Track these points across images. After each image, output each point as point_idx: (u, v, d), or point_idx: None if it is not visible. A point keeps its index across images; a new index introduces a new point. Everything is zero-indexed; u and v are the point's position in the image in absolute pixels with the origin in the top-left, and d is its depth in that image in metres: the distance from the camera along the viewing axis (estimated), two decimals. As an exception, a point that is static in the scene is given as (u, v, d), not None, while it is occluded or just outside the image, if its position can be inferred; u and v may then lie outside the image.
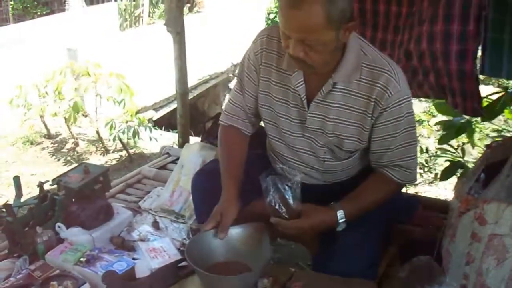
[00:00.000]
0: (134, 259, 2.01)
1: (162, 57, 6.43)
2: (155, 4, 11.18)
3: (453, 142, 3.03)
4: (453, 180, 3.00)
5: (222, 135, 2.08)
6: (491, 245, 1.66)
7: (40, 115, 5.23)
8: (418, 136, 5.12)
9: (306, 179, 1.94)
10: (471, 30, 2.26)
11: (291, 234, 1.88)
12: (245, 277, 1.75)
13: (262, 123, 2.08)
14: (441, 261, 1.85)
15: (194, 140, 3.94)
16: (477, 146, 3.17)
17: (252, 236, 1.85)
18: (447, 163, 3.09)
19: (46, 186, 2.22)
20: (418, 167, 3.99)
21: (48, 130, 5.63)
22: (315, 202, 1.81)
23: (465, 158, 3.04)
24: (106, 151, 5.32)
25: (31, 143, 5.55)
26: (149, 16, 10.87)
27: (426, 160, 4.82)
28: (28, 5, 10.23)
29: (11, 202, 2.13)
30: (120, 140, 5.01)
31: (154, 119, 6.34)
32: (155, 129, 5.71)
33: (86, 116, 5.27)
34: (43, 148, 5.48)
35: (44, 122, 5.49)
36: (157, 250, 2.08)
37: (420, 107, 6.83)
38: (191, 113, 3.86)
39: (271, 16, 10.70)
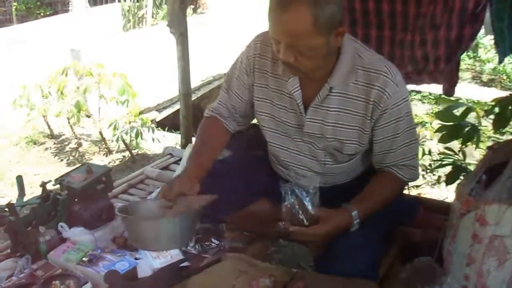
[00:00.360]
0: (136, 259, 2.01)
1: (166, 58, 6.42)
2: (159, 5, 11.18)
3: (455, 144, 3.01)
4: (455, 182, 2.99)
5: (202, 124, 2.08)
6: (492, 246, 1.66)
7: (43, 115, 5.24)
8: (421, 139, 5.13)
9: (297, 178, 1.94)
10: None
11: (310, 241, 1.87)
12: (169, 220, 1.76)
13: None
14: (442, 262, 1.85)
15: (197, 141, 3.93)
16: (480, 148, 3.15)
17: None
18: (449, 166, 3.07)
19: (49, 186, 2.23)
20: (421, 169, 4.01)
21: (51, 130, 5.64)
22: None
23: (467, 160, 3.03)
24: (109, 152, 5.33)
25: (34, 143, 5.56)
26: (152, 17, 10.87)
27: (430, 164, 4.81)
28: (32, 6, 10.23)
29: (14, 201, 2.13)
30: (123, 140, 5.01)
31: (157, 120, 6.34)
32: (158, 129, 5.72)
33: (89, 116, 5.28)
34: (46, 148, 5.49)
35: (47, 122, 5.50)
36: (159, 250, 2.08)
37: (423, 108, 6.82)
38: (194, 114, 3.86)
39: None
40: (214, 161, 1.99)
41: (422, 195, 4.02)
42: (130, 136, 4.93)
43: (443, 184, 4.24)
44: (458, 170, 2.97)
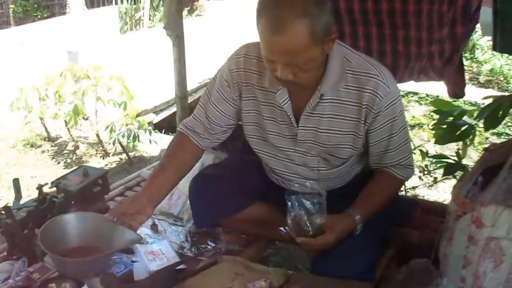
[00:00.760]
0: (132, 261, 2.02)
1: (163, 60, 6.43)
2: (156, 8, 11.19)
3: (452, 146, 3.01)
4: (452, 183, 2.99)
5: (172, 140, 2.08)
6: (488, 248, 1.67)
7: (40, 117, 5.23)
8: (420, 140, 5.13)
9: (301, 189, 1.94)
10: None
11: (316, 250, 1.86)
12: (93, 260, 1.84)
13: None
14: (439, 264, 1.86)
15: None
16: (476, 149, 3.14)
17: (105, 223, 1.89)
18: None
19: (46, 189, 2.23)
20: (418, 170, 4.01)
21: (48, 133, 5.63)
22: None
23: (464, 162, 3.03)
24: (106, 154, 5.31)
25: (32, 146, 5.54)
26: (149, 19, 10.88)
27: (426, 165, 4.82)
28: (29, 8, 10.23)
29: (10, 204, 2.13)
30: (120, 143, 5.01)
31: (154, 122, 6.33)
32: (155, 132, 5.71)
33: (86, 119, 5.27)
34: (43, 151, 5.47)
35: (44, 125, 5.49)
36: (156, 252, 2.08)
37: (420, 110, 6.82)
38: (190, 116, 3.86)
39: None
40: (177, 181, 1.99)
41: (419, 197, 4.03)
42: (127, 139, 4.92)
43: (440, 185, 4.25)
44: (456, 165, 2.97)
